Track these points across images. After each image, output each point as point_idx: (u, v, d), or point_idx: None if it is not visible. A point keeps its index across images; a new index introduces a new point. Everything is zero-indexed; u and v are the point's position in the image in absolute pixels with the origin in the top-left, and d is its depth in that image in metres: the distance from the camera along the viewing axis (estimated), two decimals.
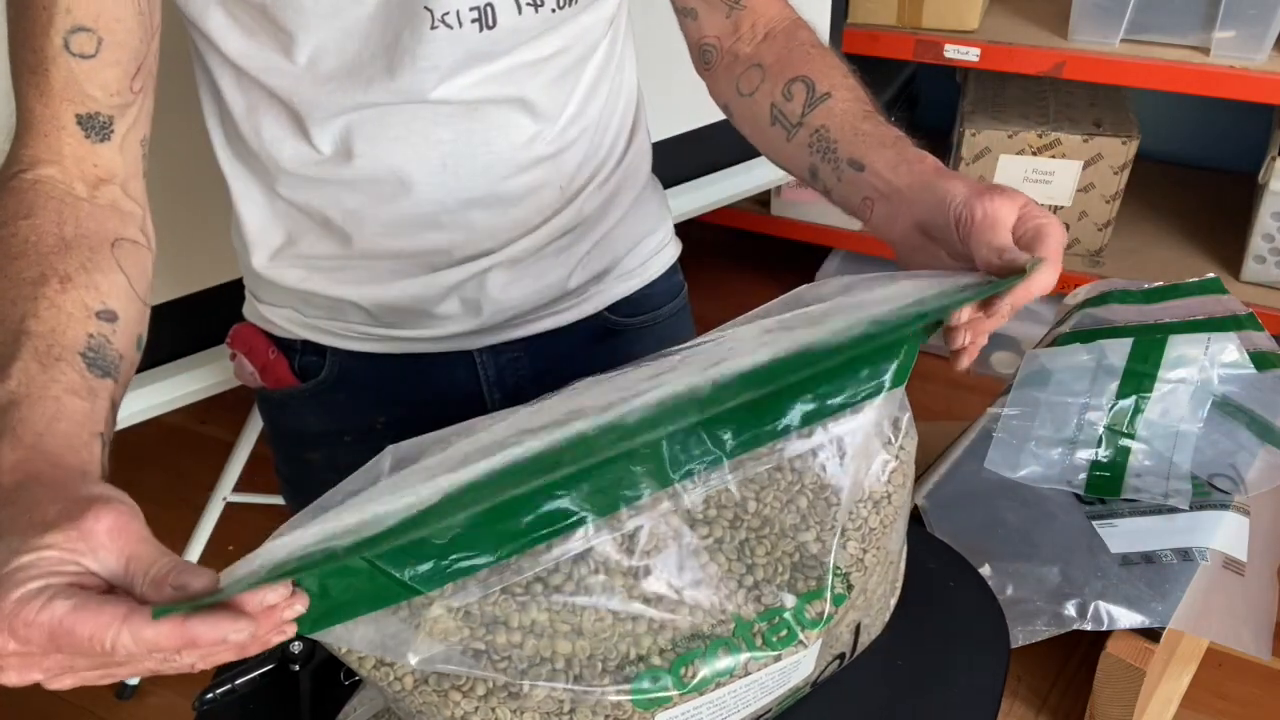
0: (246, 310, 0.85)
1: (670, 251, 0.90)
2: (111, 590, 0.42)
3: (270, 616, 0.41)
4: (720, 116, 1.50)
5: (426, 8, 0.63)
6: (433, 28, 0.64)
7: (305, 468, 0.88)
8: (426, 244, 0.73)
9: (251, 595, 0.40)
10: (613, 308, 0.85)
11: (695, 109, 1.43)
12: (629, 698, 0.49)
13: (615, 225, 0.83)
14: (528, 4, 0.66)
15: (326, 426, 0.85)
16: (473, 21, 0.65)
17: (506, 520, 0.46)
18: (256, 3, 0.63)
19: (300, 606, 0.42)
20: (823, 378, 0.52)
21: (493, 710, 0.48)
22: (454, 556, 0.46)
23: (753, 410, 0.51)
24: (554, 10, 0.67)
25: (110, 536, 0.42)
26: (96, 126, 0.60)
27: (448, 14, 0.64)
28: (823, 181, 0.72)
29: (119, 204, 0.63)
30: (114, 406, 0.54)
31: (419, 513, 0.44)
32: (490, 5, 0.65)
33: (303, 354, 0.82)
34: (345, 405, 0.84)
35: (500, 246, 0.75)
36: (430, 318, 0.78)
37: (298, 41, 0.64)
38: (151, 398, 1.15)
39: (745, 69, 0.76)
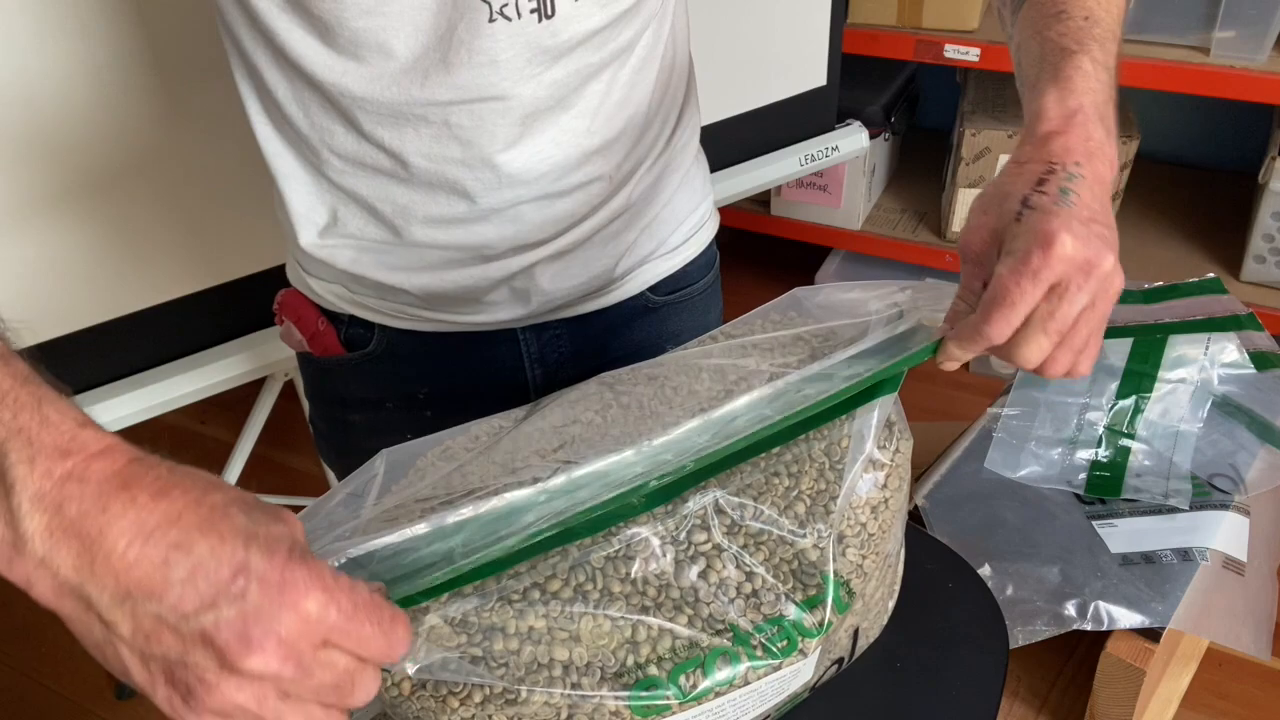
0: (292, 277, 0.84)
1: (710, 227, 0.88)
2: None
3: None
4: (720, 116, 1.50)
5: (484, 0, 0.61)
6: (491, 20, 0.61)
7: (345, 427, 0.89)
8: (475, 238, 0.72)
9: None
10: (653, 287, 0.84)
11: None
12: (627, 704, 0.48)
13: (663, 207, 0.81)
14: None
15: (369, 394, 0.85)
16: (531, 12, 0.62)
17: (507, 551, 0.46)
18: None
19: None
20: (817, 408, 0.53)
21: (489, 717, 0.47)
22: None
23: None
24: None
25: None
26: None
27: (506, 5, 0.61)
28: None
29: None
30: None
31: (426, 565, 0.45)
32: None
33: (350, 326, 0.81)
34: (390, 376, 0.83)
35: (550, 238, 0.74)
36: (479, 305, 0.77)
37: (337, 34, 0.62)
38: (151, 398, 1.15)
39: None
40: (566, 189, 0.71)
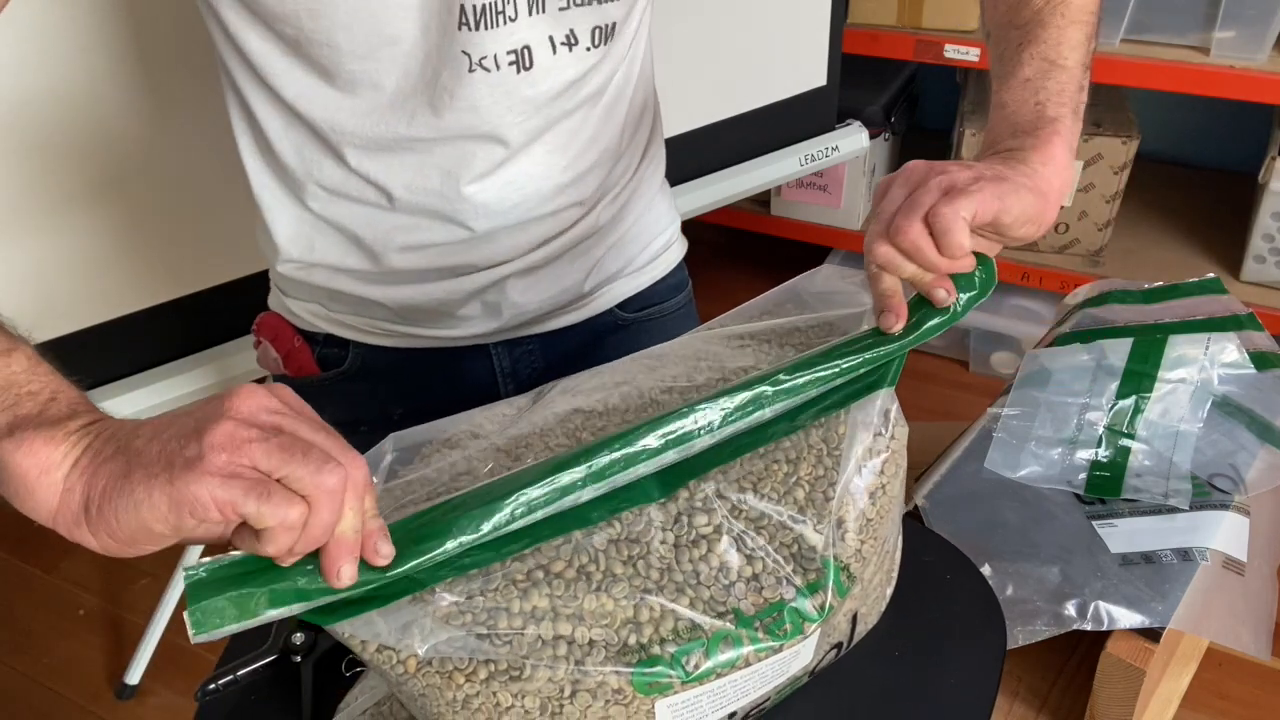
0: (271, 300, 0.87)
1: (677, 249, 0.92)
2: None
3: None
4: (720, 116, 1.50)
5: (464, 51, 0.64)
6: (470, 70, 0.64)
7: None
8: (451, 259, 0.76)
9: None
10: (622, 304, 0.87)
11: (695, 109, 1.43)
12: (630, 680, 0.49)
13: (630, 227, 0.85)
14: (562, 43, 0.67)
15: (344, 416, 0.85)
16: (510, 64, 0.65)
17: (513, 531, 0.48)
18: (291, 36, 0.63)
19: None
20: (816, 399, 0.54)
21: (494, 694, 0.48)
22: (460, 558, 0.48)
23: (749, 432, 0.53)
24: (588, 49, 0.68)
25: None
26: None
27: (485, 58, 0.64)
28: None
29: None
30: None
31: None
32: (527, 47, 0.65)
33: (324, 345, 0.83)
34: (364, 396, 0.85)
35: (519, 255, 0.77)
36: (453, 318, 0.80)
37: (334, 75, 0.65)
38: (152, 397, 1.16)
39: None
40: (541, 216, 0.75)
